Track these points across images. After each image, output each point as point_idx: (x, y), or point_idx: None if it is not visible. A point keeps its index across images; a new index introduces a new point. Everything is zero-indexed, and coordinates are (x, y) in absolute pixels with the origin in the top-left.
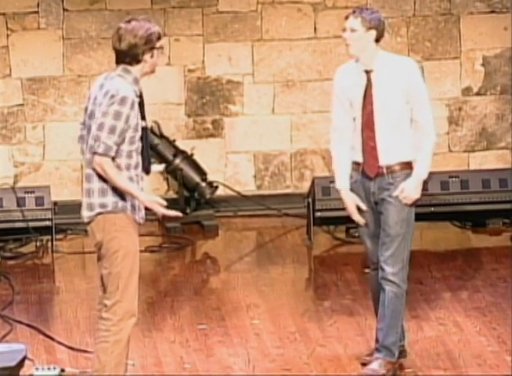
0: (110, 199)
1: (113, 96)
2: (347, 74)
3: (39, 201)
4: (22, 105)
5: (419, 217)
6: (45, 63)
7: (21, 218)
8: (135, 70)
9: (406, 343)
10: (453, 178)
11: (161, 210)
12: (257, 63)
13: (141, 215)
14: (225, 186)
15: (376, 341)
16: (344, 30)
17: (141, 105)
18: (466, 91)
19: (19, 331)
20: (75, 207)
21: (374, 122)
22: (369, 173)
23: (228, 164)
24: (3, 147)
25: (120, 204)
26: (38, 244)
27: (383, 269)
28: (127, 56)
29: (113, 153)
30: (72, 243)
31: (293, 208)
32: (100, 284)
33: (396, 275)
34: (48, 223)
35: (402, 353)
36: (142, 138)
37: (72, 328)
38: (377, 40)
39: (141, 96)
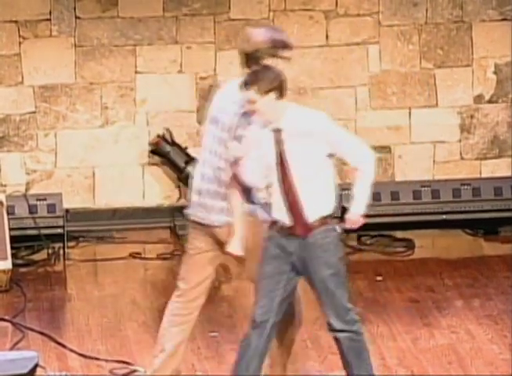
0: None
1: None
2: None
3: (51, 209)
4: (34, 112)
5: (431, 225)
6: (57, 71)
7: (33, 226)
8: None
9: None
10: (465, 186)
11: None
12: None
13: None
14: None
15: None
16: (248, 103)
17: None
18: (478, 98)
19: (31, 338)
20: (87, 214)
21: (292, 182)
22: (298, 232)
23: None
24: (15, 154)
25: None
26: (50, 251)
27: (329, 324)
28: (249, 59)
29: None
30: (84, 250)
31: None
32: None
33: (346, 323)
34: (59, 231)
35: None
36: None
37: (84, 335)
38: (281, 95)
39: None
